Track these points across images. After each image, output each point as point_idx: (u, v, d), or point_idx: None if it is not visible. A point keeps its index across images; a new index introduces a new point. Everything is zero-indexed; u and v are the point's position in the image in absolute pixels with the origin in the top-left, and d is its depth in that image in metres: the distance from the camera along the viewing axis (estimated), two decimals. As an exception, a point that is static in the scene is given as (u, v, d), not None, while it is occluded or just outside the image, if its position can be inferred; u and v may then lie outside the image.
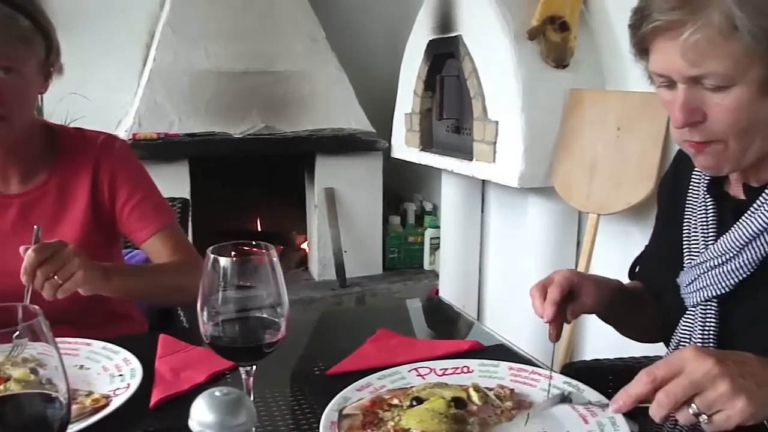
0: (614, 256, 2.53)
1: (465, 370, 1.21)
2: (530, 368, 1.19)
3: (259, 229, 4.37)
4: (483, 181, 3.19)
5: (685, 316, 1.14)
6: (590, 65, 2.66)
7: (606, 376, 1.39)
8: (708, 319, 1.09)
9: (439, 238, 3.73)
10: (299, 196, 4.06)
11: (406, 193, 4.34)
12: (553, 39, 2.61)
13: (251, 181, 3.95)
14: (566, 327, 2.49)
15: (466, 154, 2.93)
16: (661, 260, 1.28)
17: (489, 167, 2.77)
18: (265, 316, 0.91)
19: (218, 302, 0.89)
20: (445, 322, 1.65)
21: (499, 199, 3.33)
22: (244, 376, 0.93)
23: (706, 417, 0.80)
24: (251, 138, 3.62)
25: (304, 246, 4.17)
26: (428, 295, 3.82)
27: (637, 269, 1.40)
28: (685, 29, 0.93)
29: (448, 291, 3.53)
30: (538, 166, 2.61)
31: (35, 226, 1.31)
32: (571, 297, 1.16)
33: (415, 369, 1.20)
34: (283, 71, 3.78)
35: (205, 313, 0.89)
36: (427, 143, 3.37)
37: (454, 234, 3.48)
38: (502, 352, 1.31)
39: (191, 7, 3.65)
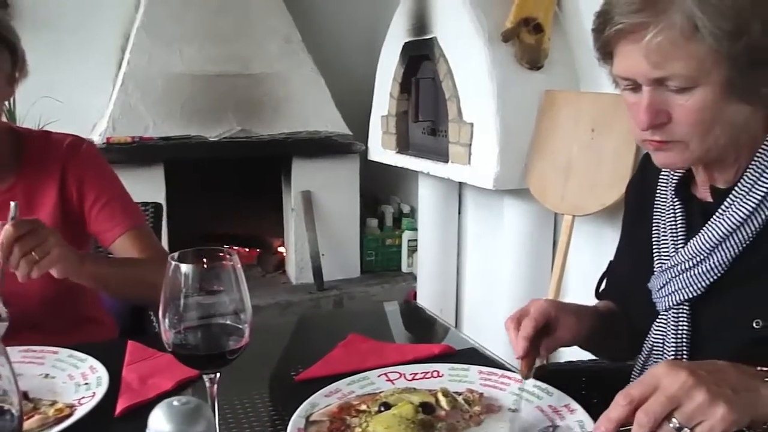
0: (589, 256, 2.54)
1: (435, 374, 1.20)
2: (500, 372, 1.19)
3: (236, 232, 4.34)
4: (460, 183, 3.19)
5: (657, 320, 1.14)
6: (564, 67, 2.66)
7: (579, 379, 1.39)
8: (680, 323, 1.09)
9: (416, 240, 3.73)
10: (276, 199, 4.04)
11: (383, 196, 4.34)
12: (528, 41, 2.61)
13: (228, 185, 3.93)
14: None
15: (442, 156, 2.93)
16: (631, 265, 1.27)
17: (464, 169, 2.77)
18: (228, 322, 0.90)
19: (180, 309, 0.87)
20: (419, 326, 1.65)
21: (476, 200, 3.33)
22: (207, 384, 0.91)
23: (688, 430, 0.79)
24: (227, 141, 3.60)
25: (281, 249, 4.15)
26: (406, 297, 3.81)
27: (603, 285, 1.37)
28: (647, 31, 0.93)
29: (426, 293, 3.52)
30: (513, 167, 2.61)
31: (12, 203, 1.30)
32: (547, 331, 1.11)
33: (385, 374, 1.20)
34: (259, 74, 3.76)
35: (167, 320, 0.88)
36: (404, 145, 3.37)
37: (432, 236, 3.47)
38: (473, 356, 1.31)
39: (165, 10, 3.63)
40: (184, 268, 0.87)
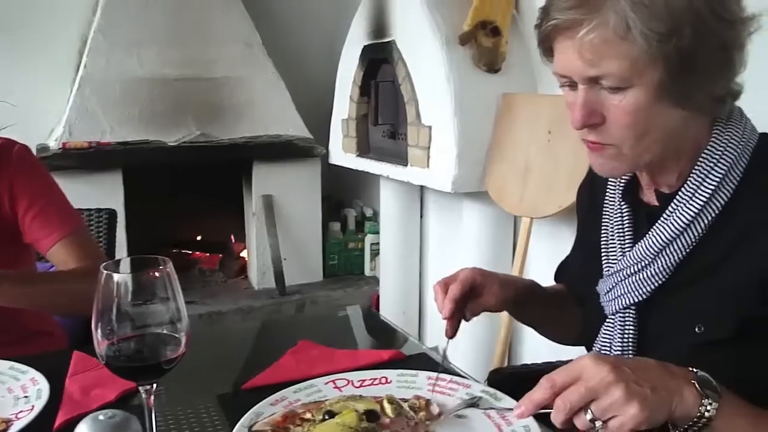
0: (548, 258, 2.53)
1: (383, 381, 1.19)
2: (449, 377, 1.18)
3: (198, 237, 4.31)
4: (421, 186, 3.19)
5: (605, 324, 1.15)
6: (522, 69, 2.67)
7: (533, 382, 1.38)
8: (627, 327, 1.10)
9: (379, 243, 3.71)
10: (238, 204, 4.01)
11: (347, 199, 4.32)
12: (485, 44, 2.62)
13: (189, 190, 3.88)
14: (501, 331, 2.50)
15: (402, 159, 2.92)
16: (582, 268, 1.28)
17: (423, 172, 2.76)
18: (164, 332, 0.88)
19: (113, 320, 0.85)
20: (372, 331, 1.63)
21: (437, 203, 3.33)
22: (144, 396, 0.89)
23: (600, 423, 0.81)
24: (186, 146, 3.55)
25: (243, 254, 4.12)
26: (369, 301, 3.80)
27: (561, 273, 1.41)
28: (581, 28, 0.93)
29: (389, 296, 3.51)
30: (472, 170, 2.61)
31: None
32: (473, 295, 1.19)
33: (332, 381, 1.18)
34: (219, 77, 3.72)
35: (99, 331, 0.85)
36: (364, 149, 3.36)
37: (394, 240, 3.46)
38: (423, 362, 1.30)
39: (123, 13, 3.57)
40: (117, 277, 0.85)
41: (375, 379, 1.19)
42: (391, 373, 1.20)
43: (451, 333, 1.17)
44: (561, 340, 1.41)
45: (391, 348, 1.36)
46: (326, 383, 1.18)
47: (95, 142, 3.40)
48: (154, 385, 0.89)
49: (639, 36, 0.90)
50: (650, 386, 0.82)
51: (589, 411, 0.82)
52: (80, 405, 1.12)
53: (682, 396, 0.84)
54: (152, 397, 0.90)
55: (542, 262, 2.54)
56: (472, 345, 2.77)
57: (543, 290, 1.34)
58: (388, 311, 3.51)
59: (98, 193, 3.24)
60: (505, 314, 2.54)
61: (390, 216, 3.45)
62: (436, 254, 3.42)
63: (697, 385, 0.85)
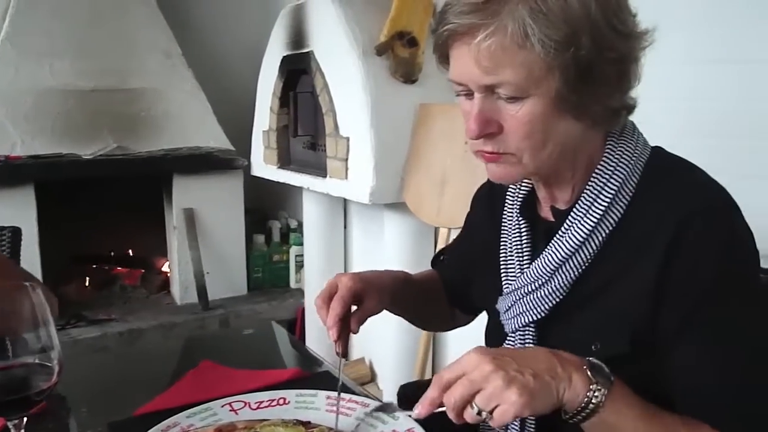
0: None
1: (281, 401, 1.16)
2: (348, 396, 1.16)
3: (119, 253, 4.19)
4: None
5: (506, 341, 1.13)
6: (439, 80, 2.65)
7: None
8: (527, 345, 1.08)
9: (303, 255, 3.67)
10: (159, 217, 3.92)
11: (271, 211, 4.27)
12: (402, 54, 2.61)
13: (108, 204, 3.77)
14: (420, 346, 2.49)
15: (322, 170, 2.89)
16: (481, 284, 1.26)
17: (342, 184, 2.74)
18: (35, 362, 0.83)
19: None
20: (278, 349, 1.60)
21: (360, 215, 3.31)
22: (12, 431, 0.85)
23: (486, 413, 0.82)
24: (103, 159, 3.45)
25: (165, 269, 4.03)
26: (294, 314, 3.76)
27: (441, 258, 1.43)
28: (479, 34, 0.91)
29: (315, 309, 3.46)
30: (390, 181, 2.60)
31: None
32: (356, 303, 1.17)
33: (229, 404, 1.15)
34: (136, 89, 3.63)
35: (-40, 364, 0.81)
36: (285, 160, 3.32)
37: (318, 251, 3.43)
38: (325, 380, 1.27)
39: (33, 22, 3.45)
40: (-22, 306, 0.80)
41: (273, 400, 1.16)
42: (289, 394, 1.17)
43: (343, 351, 1.15)
44: (428, 327, 1.43)
45: (298, 366, 1.33)
46: (222, 406, 1.14)
47: (4, 156, 3.27)
48: (24, 420, 0.85)
49: (537, 44, 0.89)
50: (532, 373, 0.83)
51: (474, 404, 0.82)
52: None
53: (571, 381, 0.85)
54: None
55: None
56: (397, 360, 2.76)
57: (415, 282, 1.35)
58: (313, 324, 3.48)
59: (8, 210, 3.13)
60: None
61: (313, 228, 3.42)
62: (360, 265, 3.40)
63: (588, 372, 0.86)
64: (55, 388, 0.85)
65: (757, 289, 0.97)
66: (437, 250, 1.45)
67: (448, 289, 1.39)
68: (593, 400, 0.85)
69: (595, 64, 0.92)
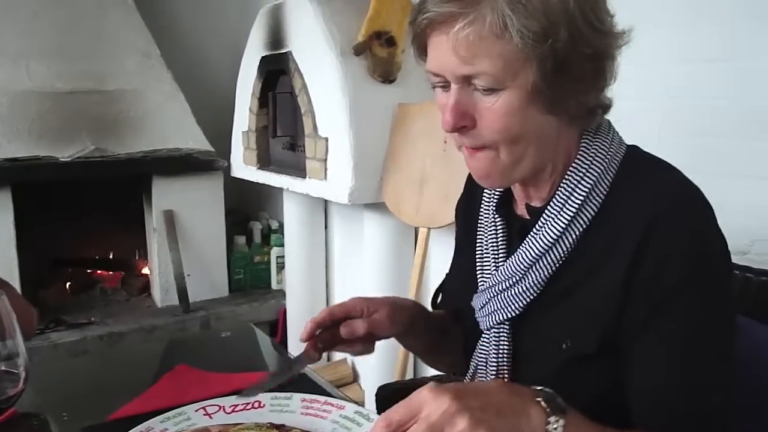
0: (447, 267, 2.54)
1: (256, 405, 1.15)
2: (323, 399, 1.16)
3: (99, 255, 4.16)
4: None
5: (481, 339, 1.12)
6: (418, 79, 2.67)
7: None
8: (501, 343, 1.08)
9: (284, 256, 3.66)
10: (139, 219, 3.89)
11: (253, 212, 4.26)
12: (380, 54, 2.61)
13: (87, 207, 3.74)
14: (400, 348, 2.49)
15: (301, 171, 2.89)
16: (461, 283, 1.26)
17: (321, 184, 2.74)
18: (0, 369, 0.83)
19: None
20: (254, 352, 1.59)
21: (341, 215, 3.31)
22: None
23: None
24: (81, 161, 3.42)
25: (146, 271, 4.00)
26: (276, 315, 3.75)
27: (439, 299, 1.38)
28: (457, 23, 0.91)
29: (296, 310, 3.47)
30: (369, 181, 2.59)
31: None
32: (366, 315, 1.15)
33: (203, 408, 1.14)
34: (114, 90, 3.60)
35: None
36: (265, 161, 3.31)
37: (299, 252, 3.42)
38: (302, 383, 1.27)
39: (9, 23, 3.42)
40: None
41: (248, 403, 1.15)
42: (264, 397, 1.17)
43: (311, 356, 1.13)
44: (448, 368, 1.39)
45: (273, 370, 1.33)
46: (196, 410, 1.13)
47: (-21, 159, 3.24)
48: (-9, 426, 0.84)
49: (515, 34, 0.89)
50: (495, 411, 0.79)
51: None
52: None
53: (530, 416, 0.82)
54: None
55: (441, 271, 2.53)
56: (379, 360, 2.75)
57: (430, 316, 1.31)
58: (295, 324, 3.47)
59: (-16, 213, 3.10)
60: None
61: (294, 228, 3.41)
62: (341, 265, 3.39)
63: (543, 403, 0.83)
64: (22, 395, 0.84)
65: (724, 292, 0.96)
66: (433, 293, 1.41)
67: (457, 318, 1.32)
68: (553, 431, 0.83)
69: (571, 59, 0.92)
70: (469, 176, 1.24)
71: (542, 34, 0.89)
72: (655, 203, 0.95)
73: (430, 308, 1.36)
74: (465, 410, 0.77)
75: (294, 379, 1.26)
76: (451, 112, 0.96)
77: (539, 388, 0.85)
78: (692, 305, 0.93)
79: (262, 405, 1.15)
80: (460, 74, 0.94)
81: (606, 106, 1.03)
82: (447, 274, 1.38)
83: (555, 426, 0.82)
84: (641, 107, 1.81)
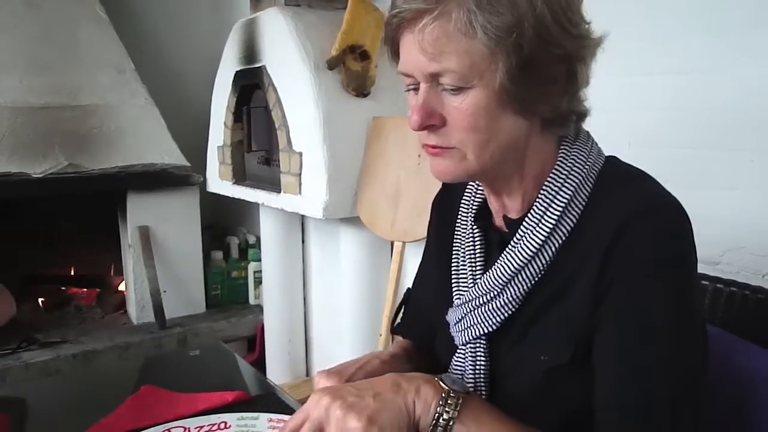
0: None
1: (222, 426, 1.14)
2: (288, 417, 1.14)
3: (74, 272, 4.11)
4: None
5: (456, 354, 1.10)
6: (392, 93, 2.67)
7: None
8: (478, 357, 1.05)
9: (261, 271, 3.64)
10: (114, 236, 3.85)
11: (230, 227, 4.23)
12: (354, 68, 2.61)
13: (61, 223, 3.70)
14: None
15: (276, 186, 2.87)
16: (435, 295, 1.23)
17: (296, 199, 2.72)
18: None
19: None
20: (223, 370, 1.56)
21: (317, 230, 3.29)
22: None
23: None
24: (54, 177, 3.37)
25: (122, 288, 3.96)
26: (254, 330, 3.72)
27: (400, 318, 1.35)
28: (422, 20, 0.90)
29: (274, 325, 3.44)
30: (344, 196, 2.58)
31: None
32: None
33: (167, 430, 1.12)
34: (88, 105, 3.57)
35: None
36: (240, 176, 3.29)
37: (276, 267, 3.40)
38: (269, 402, 1.25)
39: (-20, 38, 3.39)
40: None
41: (214, 424, 1.14)
42: (230, 417, 1.15)
43: None
44: None
45: (243, 388, 1.31)
46: (162, 432, 1.11)
47: (-49, 176, 3.19)
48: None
49: (480, 30, 0.88)
50: (372, 394, 0.84)
51: None
52: None
53: (419, 392, 0.85)
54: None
55: (417, 285, 2.53)
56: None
57: (392, 361, 1.24)
58: (273, 339, 3.45)
59: (-46, 231, 3.05)
60: (383, 339, 2.53)
61: (271, 243, 3.39)
62: (319, 280, 3.37)
63: (441, 382, 0.86)
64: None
65: (685, 303, 0.93)
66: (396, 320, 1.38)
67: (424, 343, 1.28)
68: (447, 408, 0.85)
69: (540, 58, 0.91)
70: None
71: (506, 29, 0.88)
72: (626, 211, 0.93)
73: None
74: (338, 399, 0.83)
75: (261, 399, 1.25)
76: (419, 111, 0.95)
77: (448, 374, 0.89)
78: (645, 318, 0.91)
79: (228, 426, 1.13)
80: (427, 72, 0.93)
81: (581, 113, 1.02)
82: (409, 289, 1.35)
83: (449, 401, 0.86)
84: (611, 119, 1.81)
